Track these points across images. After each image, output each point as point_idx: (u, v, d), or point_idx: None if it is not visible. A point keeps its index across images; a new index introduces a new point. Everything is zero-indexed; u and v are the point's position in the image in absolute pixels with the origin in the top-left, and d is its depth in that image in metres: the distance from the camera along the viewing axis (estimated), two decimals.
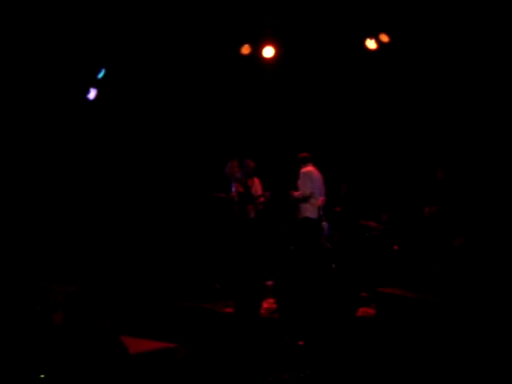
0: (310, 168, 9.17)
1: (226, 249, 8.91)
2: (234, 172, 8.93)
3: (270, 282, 8.21)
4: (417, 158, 10.11)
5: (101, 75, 9.11)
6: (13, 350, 4.65)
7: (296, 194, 9.09)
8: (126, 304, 6.90)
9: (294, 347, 6.20)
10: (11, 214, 8.18)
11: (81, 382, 4.33)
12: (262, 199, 9.05)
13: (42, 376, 4.18)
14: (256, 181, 9.23)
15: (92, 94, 9.10)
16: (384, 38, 9.48)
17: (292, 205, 9.30)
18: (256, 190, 9.18)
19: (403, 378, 5.63)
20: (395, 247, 9.27)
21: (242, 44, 9.85)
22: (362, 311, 7.33)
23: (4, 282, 5.74)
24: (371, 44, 9.56)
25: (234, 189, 8.89)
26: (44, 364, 4.51)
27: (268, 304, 7.60)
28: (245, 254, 8.76)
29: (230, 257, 8.77)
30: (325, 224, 9.12)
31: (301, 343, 6.22)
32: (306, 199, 9.01)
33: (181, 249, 9.29)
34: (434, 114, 9.98)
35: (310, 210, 9.05)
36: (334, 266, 8.56)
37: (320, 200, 8.93)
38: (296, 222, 9.21)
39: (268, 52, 9.88)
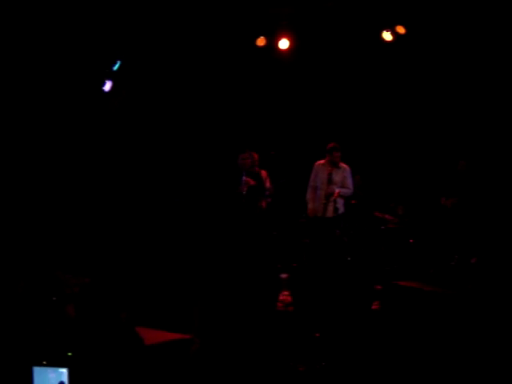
0: (320, 160, 9.11)
1: (239, 241, 8.89)
2: (246, 164, 8.86)
3: (284, 275, 8.20)
4: (433, 149, 10.05)
5: (116, 67, 9.12)
6: (27, 340, 4.67)
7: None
8: (141, 295, 6.91)
9: (309, 339, 6.19)
10: (29, 206, 8.22)
11: (97, 373, 4.34)
12: (266, 193, 9.00)
13: (70, 354, 4.16)
14: (263, 173, 9.18)
15: (107, 85, 9.11)
16: (400, 29, 9.42)
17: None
18: (265, 182, 9.13)
19: (418, 371, 5.60)
20: (411, 240, 9.22)
21: (257, 36, 9.82)
22: (376, 304, 7.32)
23: (21, 273, 5.76)
24: (387, 36, 9.50)
25: (243, 182, 8.80)
26: (58, 354, 4.53)
27: (283, 297, 7.60)
28: (259, 246, 8.74)
29: (244, 249, 8.76)
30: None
31: (317, 335, 6.21)
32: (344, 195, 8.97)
33: (194, 241, 9.30)
34: (451, 106, 9.91)
35: (344, 206, 9.01)
36: (349, 258, 8.52)
37: (336, 192, 8.85)
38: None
39: (283, 44, 9.85)
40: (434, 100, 10.07)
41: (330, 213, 8.93)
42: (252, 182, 8.70)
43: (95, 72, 9.03)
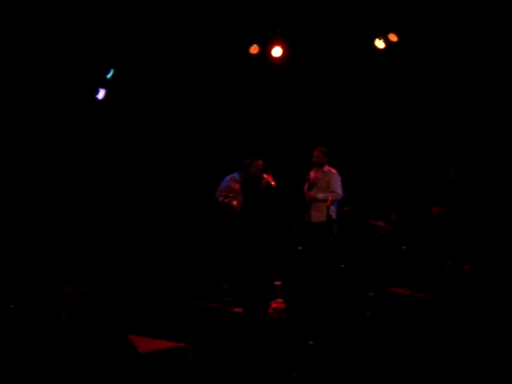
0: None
1: (233, 248, 8.90)
2: (260, 171, 8.82)
3: (278, 282, 8.20)
4: (425, 158, 10.08)
5: (110, 75, 9.14)
6: (20, 349, 4.67)
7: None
8: (135, 304, 6.92)
9: (303, 347, 6.20)
10: (21, 215, 8.22)
11: (91, 381, 4.34)
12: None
13: None
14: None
15: (101, 93, 9.13)
16: (393, 37, 9.47)
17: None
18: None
19: (411, 378, 5.62)
20: (404, 247, 9.24)
21: (250, 44, 9.86)
22: (369, 311, 7.33)
23: (14, 281, 5.75)
24: (380, 44, 9.55)
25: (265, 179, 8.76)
26: (53, 363, 4.54)
27: (277, 304, 7.60)
28: (253, 253, 8.75)
29: (238, 257, 8.76)
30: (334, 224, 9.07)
31: (311, 343, 6.21)
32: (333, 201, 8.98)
33: (189, 249, 9.30)
34: (443, 114, 9.95)
35: (335, 212, 9.03)
36: (342, 265, 8.54)
37: (329, 200, 8.86)
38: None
39: (277, 52, 9.89)
40: (426, 108, 10.10)
41: (314, 218, 8.94)
42: (273, 183, 8.66)
43: (89, 80, 9.04)
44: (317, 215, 8.89)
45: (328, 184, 8.90)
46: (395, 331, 6.62)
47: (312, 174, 9.06)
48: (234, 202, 8.97)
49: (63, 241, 8.51)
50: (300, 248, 8.91)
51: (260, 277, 8.26)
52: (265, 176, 8.62)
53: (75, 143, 9.11)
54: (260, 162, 8.85)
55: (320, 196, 8.85)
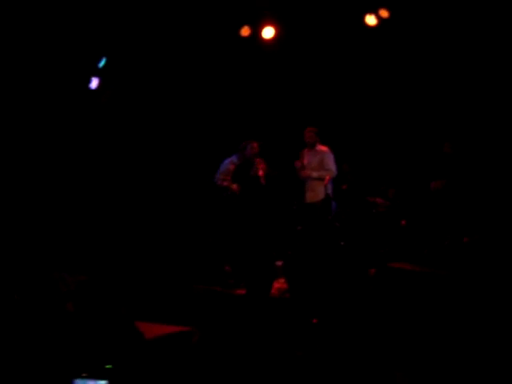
0: None
1: (234, 230, 8.95)
2: (256, 153, 8.90)
3: (279, 263, 8.25)
4: (421, 132, 10.10)
5: (102, 64, 9.10)
6: (25, 342, 4.70)
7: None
8: (138, 290, 6.95)
9: (307, 325, 6.25)
10: (21, 206, 8.23)
11: (98, 368, 4.38)
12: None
13: (109, 366, 4.22)
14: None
15: (94, 83, 9.10)
16: (384, 13, 9.44)
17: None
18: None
19: (413, 353, 5.67)
20: (403, 222, 9.29)
21: (241, 26, 9.82)
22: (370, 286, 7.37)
23: (15, 272, 5.78)
24: (371, 20, 9.52)
25: (257, 165, 8.84)
26: (60, 353, 4.57)
27: (279, 284, 7.65)
28: (254, 234, 8.80)
29: (240, 238, 8.82)
30: (332, 202, 9.11)
31: (315, 321, 6.27)
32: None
33: (189, 232, 9.34)
34: (437, 88, 9.95)
35: (331, 190, 9.07)
36: (342, 243, 8.59)
37: (326, 179, 8.91)
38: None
39: (268, 33, 9.85)
40: (420, 82, 10.10)
41: (308, 198, 8.99)
42: (264, 166, 8.74)
43: (81, 69, 9.01)
44: (311, 195, 8.95)
45: (321, 162, 8.94)
46: (397, 306, 6.66)
47: (304, 154, 9.10)
48: (234, 186, 8.99)
49: (61, 231, 8.53)
50: (299, 228, 8.96)
51: (261, 258, 8.31)
52: (257, 161, 8.70)
53: (69, 134, 9.09)
54: (255, 145, 8.89)
55: (314, 174, 8.90)
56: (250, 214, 8.84)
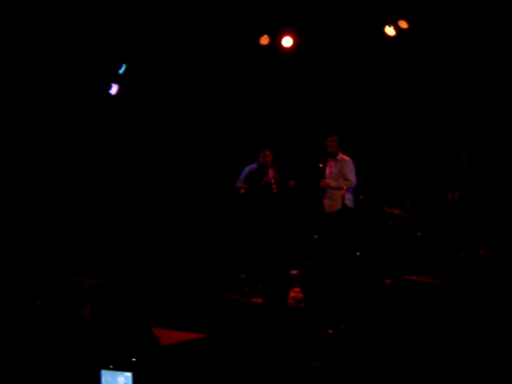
0: None
1: (249, 239, 8.97)
2: (268, 161, 8.96)
3: (294, 271, 8.24)
4: (439, 143, 10.07)
5: (122, 70, 9.18)
6: (43, 344, 4.74)
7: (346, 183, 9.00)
8: (154, 296, 6.98)
9: (322, 335, 6.24)
10: (40, 209, 8.29)
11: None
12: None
13: (134, 359, 4.31)
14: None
15: (114, 89, 9.18)
16: (403, 24, 9.45)
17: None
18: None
19: (429, 365, 5.64)
20: (419, 234, 9.26)
21: (260, 35, 9.87)
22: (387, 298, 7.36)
23: (33, 276, 5.82)
24: (390, 31, 9.53)
25: (269, 175, 8.91)
26: (77, 357, 4.61)
27: (294, 293, 7.65)
28: (270, 243, 8.82)
29: (255, 246, 8.84)
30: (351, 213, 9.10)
31: (330, 331, 6.26)
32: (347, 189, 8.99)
33: (205, 240, 9.37)
34: (455, 100, 9.93)
35: (351, 200, 9.04)
36: (358, 253, 8.57)
37: (344, 189, 8.90)
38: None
39: (287, 42, 9.90)
40: (438, 94, 10.09)
41: (327, 208, 8.98)
42: (276, 175, 8.80)
43: (102, 75, 9.08)
44: (331, 204, 8.92)
45: (341, 172, 8.92)
46: (413, 318, 6.64)
47: (327, 163, 9.09)
48: (242, 190, 9.00)
49: (79, 235, 8.57)
50: (315, 237, 8.96)
51: (277, 266, 8.32)
52: (270, 173, 8.76)
53: (89, 138, 9.16)
54: (267, 152, 8.94)
55: (333, 184, 8.88)
56: (262, 221, 8.87)
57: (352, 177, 8.90)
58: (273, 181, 8.82)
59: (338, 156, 9.01)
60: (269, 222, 8.92)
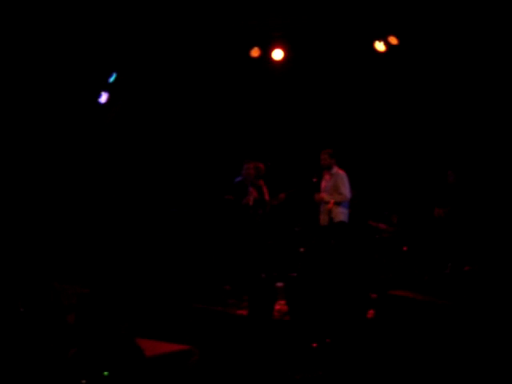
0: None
1: (234, 251, 8.97)
2: (250, 175, 8.95)
3: (280, 284, 8.24)
4: (426, 159, 10.13)
5: (112, 79, 9.17)
6: (25, 352, 4.71)
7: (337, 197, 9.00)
8: (139, 306, 6.95)
9: (306, 348, 6.24)
10: (23, 216, 8.25)
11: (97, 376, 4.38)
12: (275, 202, 9.12)
13: (106, 373, 4.26)
14: (262, 183, 9.29)
15: (103, 97, 9.17)
16: (393, 40, 9.51)
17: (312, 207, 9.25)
18: (263, 194, 9.28)
19: (413, 380, 5.65)
20: (404, 248, 9.29)
21: (251, 47, 9.90)
22: (371, 313, 7.37)
23: (15, 284, 5.79)
24: (380, 46, 9.59)
25: (249, 193, 8.90)
26: (58, 365, 4.58)
27: (279, 306, 7.64)
28: (255, 255, 8.82)
29: (240, 259, 8.83)
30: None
31: (314, 345, 6.25)
32: (340, 203, 8.98)
33: (190, 251, 9.34)
34: (443, 117, 10.00)
35: (345, 214, 9.02)
36: (344, 267, 8.58)
37: (331, 202, 8.92)
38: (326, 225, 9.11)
39: (277, 54, 9.93)
40: (426, 110, 10.15)
41: (322, 221, 8.99)
42: (256, 195, 8.80)
43: (91, 84, 9.08)
44: (324, 218, 8.94)
45: (335, 186, 8.93)
46: (397, 333, 6.65)
47: (323, 176, 9.11)
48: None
49: (64, 242, 8.54)
50: (302, 250, 8.96)
51: (262, 278, 8.31)
52: (251, 190, 8.74)
53: (78, 146, 9.14)
54: (250, 165, 8.93)
55: (327, 198, 8.89)
56: (246, 233, 8.89)
57: (345, 191, 8.92)
58: (250, 203, 8.80)
59: (332, 170, 9.02)
60: (252, 235, 8.92)
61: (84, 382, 4.20)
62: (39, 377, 4.52)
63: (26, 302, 5.33)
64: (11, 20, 7.91)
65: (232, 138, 10.73)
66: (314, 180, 9.02)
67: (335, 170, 9.02)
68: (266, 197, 9.24)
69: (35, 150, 8.55)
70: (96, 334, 4.77)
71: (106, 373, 4.27)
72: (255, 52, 9.93)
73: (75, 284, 6.05)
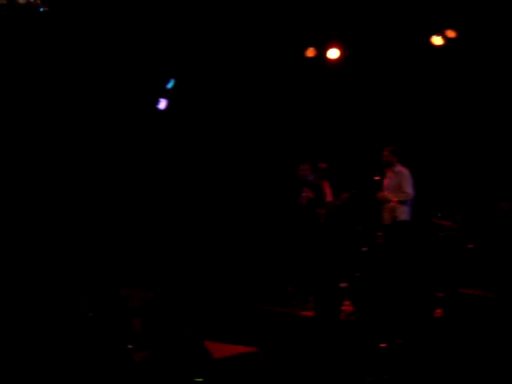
0: None
1: (296, 251, 8.95)
2: (306, 176, 8.99)
3: (343, 284, 8.17)
4: (488, 153, 9.92)
5: (170, 85, 9.25)
6: (93, 356, 4.78)
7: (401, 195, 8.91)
8: (204, 309, 6.99)
9: (375, 349, 6.16)
10: (93, 225, 8.40)
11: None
12: (338, 202, 9.10)
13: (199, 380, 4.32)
14: (326, 184, 9.25)
15: (162, 104, 9.25)
16: (451, 33, 9.35)
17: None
18: (326, 194, 9.22)
19: (484, 380, 5.53)
20: (470, 246, 9.09)
21: (306, 47, 9.87)
22: (439, 312, 7.23)
23: (84, 290, 5.88)
24: (437, 40, 9.44)
25: (304, 193, 8.93)
26: (128, 370, 4.63)
27: (344, 306, 7.57)
28: (317, 256, 8.79)
29: (302, 260, 8.81)
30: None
31: (383, 345, 6.17)
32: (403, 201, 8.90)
33: (254, 253, 9.37)
34: (505, 110, 9.77)
35: (408, 213, 8.94)
36: (408, 266, 8.45)
37: (394, 200, 8.84)
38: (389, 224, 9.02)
39: (333, 54, 9.87)
40: (488, 103, 9.94)
41: (385, 220, 8.91)
42: (310, 195, 8.81)
43: (150, 90, 9.18)
44: (387, 217, 8.85)
45: (399, 184, 8.85)
46: (467, 332, 6.52)
47: (386, 174, 9.03)
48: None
49: (130, 247, 8.65)
50: (364, 249, 8.88)
51: (325, 279, 8.25)
52: (305, 190, 8.74)
53: (135, 152, 9.25)
54: (306, 167, 8.97)
55: (390, 196, 8.81)
56: (307, 235, 8.88)
57: (408, 189, 8.87)
58: (304, 203, 8.81)
59: (395, 167, 8.95)
60: (315, 236, 8.91)
61: None
62: (106, 380, 4.59)
63: (94, 307, 5.42)
64: (72, 24, 8.05)
65: (292, 140, 10.70)
66: (377, 178, 8.94)
67: (398, 167, 8.93)
68: (330, 198, 9.22)
69: (98, 155, 8.69)
70: (164, 337, 4.81)
71: (198, 379, 4.30)
72: (310, 52, 9.90)
73: (141, 289, 6.11)
